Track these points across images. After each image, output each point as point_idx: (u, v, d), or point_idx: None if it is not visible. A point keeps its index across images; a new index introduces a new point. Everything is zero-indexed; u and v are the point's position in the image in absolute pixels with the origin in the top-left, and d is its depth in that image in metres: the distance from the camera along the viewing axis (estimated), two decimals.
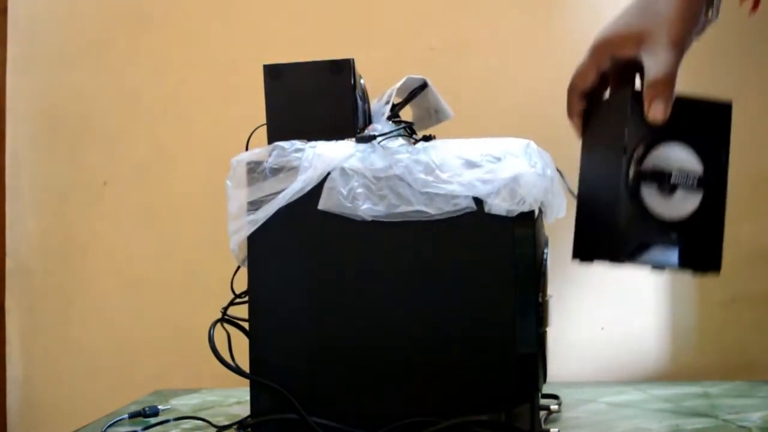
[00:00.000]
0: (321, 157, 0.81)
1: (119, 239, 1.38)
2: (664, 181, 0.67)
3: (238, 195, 0.84)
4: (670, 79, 0.65)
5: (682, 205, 0.67)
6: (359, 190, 0.81)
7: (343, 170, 0.81)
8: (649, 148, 0.66)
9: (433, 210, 0.80)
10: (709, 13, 0.68)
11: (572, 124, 0.75)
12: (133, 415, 0.97)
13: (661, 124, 0.66)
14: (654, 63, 0.66)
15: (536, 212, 0.81)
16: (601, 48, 0.70)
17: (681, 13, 0.66)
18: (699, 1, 0.67)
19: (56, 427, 1.34)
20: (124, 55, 1.39)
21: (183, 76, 1.37)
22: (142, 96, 1.38)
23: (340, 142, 0.83)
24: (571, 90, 0.73)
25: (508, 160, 0.80)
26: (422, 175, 0.80)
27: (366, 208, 0.81)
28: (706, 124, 0.68)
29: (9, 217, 1.40)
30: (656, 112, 0.65)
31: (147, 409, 0.98)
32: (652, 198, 0.66)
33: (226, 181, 0.84)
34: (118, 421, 0.95)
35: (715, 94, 1.22)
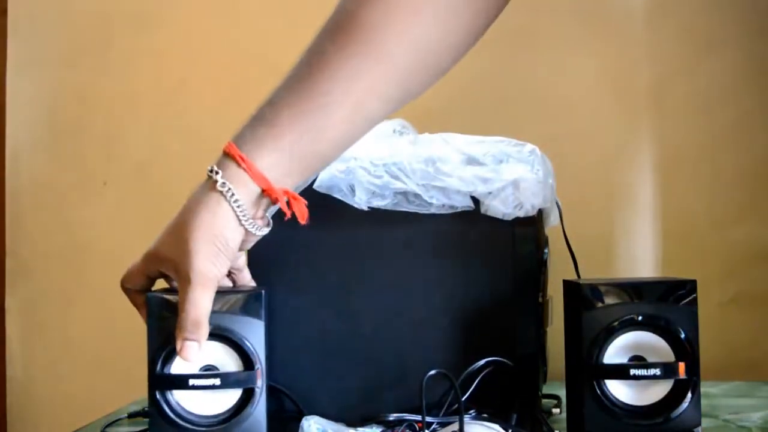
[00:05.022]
0: None
1: (119, 239, 1.37)
2: None
3: None
4: (200, 320, 0.62)
5: None
6: (356, 171, 0.80)
7: (341, 158, 0.81)
8: None
9: (430, 199, 0.80)
10: (254, 227, 0.64)
11: (141, 314, 0.71)
12: (133, 415, 0.97)
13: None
14: (183, 301, 0.62)
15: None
16: (149, 258, 0.67)
17: (202, 257, 0.62)
18: (217, 239, 0.63)
19: (56, 427, 1.34)
20: (124, 55, 1.39)
21: (183, 76, 1.37)
22: (142, 96, 1.38)
23: None
24: (123, 287, 0.70)
25: (511, 163, 0.79)
26: (422, 166, 0.80)
27: (364, 181, 0.80)
28: None
29: (9, 217, 1.40)
30: (186, 355, 0.62)
31: (147, 409, 0.98)
32: None
33: None
34: (117, 420, 0.95)
35: (711, 90, 1.23)
